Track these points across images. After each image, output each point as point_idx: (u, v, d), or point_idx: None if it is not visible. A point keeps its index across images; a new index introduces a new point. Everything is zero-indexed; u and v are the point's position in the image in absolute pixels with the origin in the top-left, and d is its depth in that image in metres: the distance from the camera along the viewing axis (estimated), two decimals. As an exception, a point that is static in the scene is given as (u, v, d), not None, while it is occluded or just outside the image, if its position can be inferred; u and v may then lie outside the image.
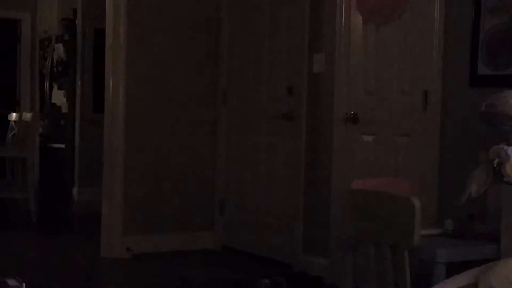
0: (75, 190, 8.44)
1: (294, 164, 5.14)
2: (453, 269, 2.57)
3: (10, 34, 9.71)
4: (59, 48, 8.82)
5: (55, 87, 8.98)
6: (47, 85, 9.14)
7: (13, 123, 7.52)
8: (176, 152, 5.69)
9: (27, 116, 7.46)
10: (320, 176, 4.94)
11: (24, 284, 1.76)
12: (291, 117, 5.19)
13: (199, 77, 5.76)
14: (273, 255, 5.31)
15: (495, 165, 2.26)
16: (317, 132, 4.98)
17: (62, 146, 8.62)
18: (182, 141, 5.71)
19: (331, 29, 4.81)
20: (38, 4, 9.53)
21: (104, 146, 5.57)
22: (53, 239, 6.40)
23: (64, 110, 8.75)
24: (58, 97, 8.90)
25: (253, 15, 5.59)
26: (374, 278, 3.08)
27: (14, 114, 7.63)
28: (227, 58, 5.80)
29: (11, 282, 1.78)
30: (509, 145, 2.34)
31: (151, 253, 5.47)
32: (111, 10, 5.48)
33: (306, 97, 5.05)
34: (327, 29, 4.87)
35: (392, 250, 2.96)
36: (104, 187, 5.56)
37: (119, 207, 5.49)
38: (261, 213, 5.51)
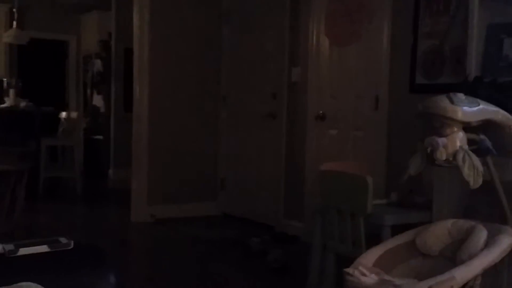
0: (110, 171, 8.40)
1: (277, 151, 5.15)
2: (397, 230, 2.59)
3: (60, 52, 9.67)
4: (98, 63, 8.76)
5: (95, 92, 8.92)
6: (89, 91, 9.09)
7: (63, 120, 7.48)
8: (188, 141, 5.68)
9: (74, 114, 7.44)
10: (297, 160, 4.95)
11: (72, 242, 1.75)
12: (274, 116, 5.19)
13: (205, 85, 5.74)
14: (261, 219, 5.32)
15: (428, 152, 2.27)
16: (295, 127, 4.99)
17: (101, 137, 8.57)
18: (192, 133, 5.70)
19: (305, 49, 4.81)
20: (81, 29, 9.48)
21: (132, 137, 5.55)
22: (94, 208, 6.39)
23: (102, 110, 8.69)
24: (97, 100, 8.84)
25: (246, 37, 5.58)
26: (337, 237, 3.11)
27: (63, 113, 7.58)
28: (226, 71, 5.79)
29: (62, 240, 1.77)
30: (439, 137, 2.35)
31: (169, 218, 5.47)
32: (138, 34, 5.46)
33: (286, 100, 5.05)
34: (302, 49, 4.87)
35: (351, 216, 2.98)
36: (133, 168, 5.55)
37: (144, 183, 5.48)
38: (252, 188, 5.51)
